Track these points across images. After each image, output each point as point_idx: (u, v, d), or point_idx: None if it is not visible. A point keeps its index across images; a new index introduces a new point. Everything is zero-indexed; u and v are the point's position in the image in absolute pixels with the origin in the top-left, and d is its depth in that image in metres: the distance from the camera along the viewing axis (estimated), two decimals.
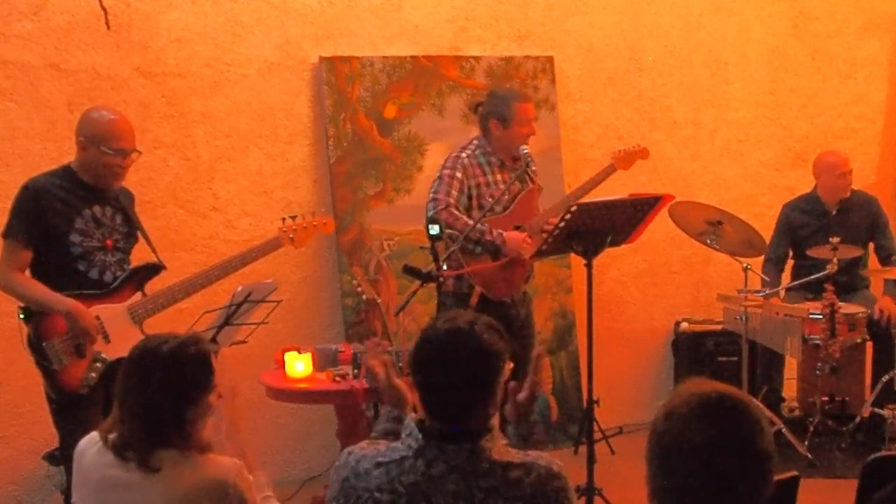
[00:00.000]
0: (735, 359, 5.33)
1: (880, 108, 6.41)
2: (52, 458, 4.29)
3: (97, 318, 3.57)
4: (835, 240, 4.97)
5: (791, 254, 5.61)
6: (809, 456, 4.87)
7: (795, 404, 5.56)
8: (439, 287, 3.83)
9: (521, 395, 2.45)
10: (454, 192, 4.29)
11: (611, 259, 5.64)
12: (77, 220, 3.60)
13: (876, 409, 5.09)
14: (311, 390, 4.20)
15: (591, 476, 4.08)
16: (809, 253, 5.24)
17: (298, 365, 4.21)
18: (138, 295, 3.73)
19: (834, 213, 5.48)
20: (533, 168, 4.42)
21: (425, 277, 3.80)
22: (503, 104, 4.39)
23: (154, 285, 3.79)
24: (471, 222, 4.20)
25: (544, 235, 4.19)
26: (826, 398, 5.10)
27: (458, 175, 4.31)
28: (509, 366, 2.21)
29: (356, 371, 4.07)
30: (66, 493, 3.32)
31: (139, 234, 3.83)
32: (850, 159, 5.56)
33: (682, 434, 1.70)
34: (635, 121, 5.83)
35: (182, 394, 2.38)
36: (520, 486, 2.08)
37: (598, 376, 4.28)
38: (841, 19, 6.28)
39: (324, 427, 4.83)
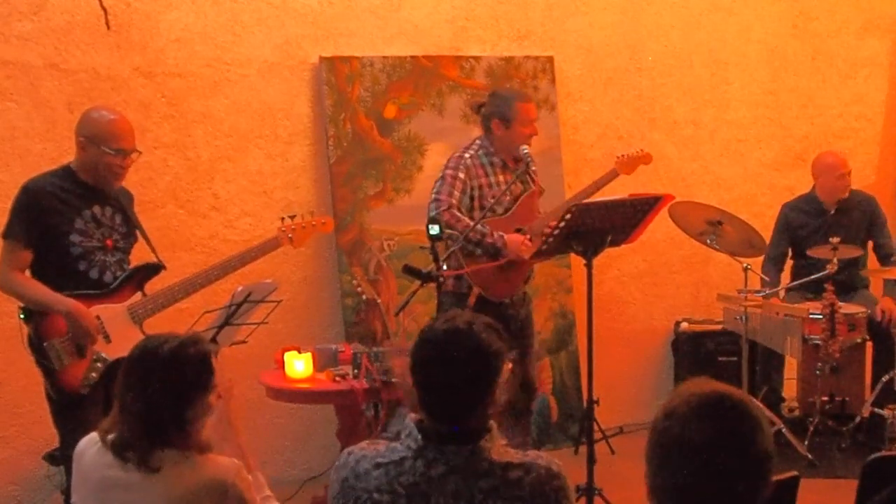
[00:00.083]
0: (735, 359, 5.33)
1: (880, 108, 6.41)
2: (52, 458, 4.29)
3: (97, 318, 3.57)
4: (835, 240, 4.97)
5: (790, 254, 5.61)
6: (809, 456, 4.88)
7: (795, 404, 5.56)
8: (439, 287, 3.83)
9: (500, 399, 2.43)
10: (456, 193, 4.28)
11: (611, 259, 5.64)
12: (77, 221, 3.60)
13: (876, 409, 5.10)
14: (311, 390, 4.20)
15: (591, 476, 4.08)
16: (809, 253, 5.24)
17: (298, 365, 4.21)
18: (138, 295, 3.73)
19: (832, 212, 5.48)
20: (533, 168, 4.42)
21: (425, 277, 3.80)
22: (505, 104, 4.39)
23: (154, 285, 3.79)
24: (472, 224, 4.20)
25: (544, 237, 4.19)
26: (826, 398, 5.10)
27: (461, 175, 4.31)
28: (508, 366, 2.21)
29: (356, 371, 4.07)
30: (66, 493, 3.32)
31: (139, 233, 3.83)
32: (849, 160, 5.56)
33: (681, 433, 1.70)
34: (635, 121, 5.83)
35: (182, 394, 2.38)
36: (519, 486, 2.08)
37: (598, 376, 4.28)
38: (841, 19, 6.28)
39: (324, 427, 4.84)
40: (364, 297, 4.86)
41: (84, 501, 2.45)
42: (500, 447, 2.14)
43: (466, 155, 4.38)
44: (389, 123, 5.20)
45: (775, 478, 1.75)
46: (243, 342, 3.89)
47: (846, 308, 5.10)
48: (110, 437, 2.39)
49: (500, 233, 4.28)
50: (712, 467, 1.68)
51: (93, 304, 3.57)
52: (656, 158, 5.64)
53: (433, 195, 4.33)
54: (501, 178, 4.39)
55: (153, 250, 3.81)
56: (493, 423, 2.15)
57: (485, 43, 5.47)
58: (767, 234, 5.43)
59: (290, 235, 4.04)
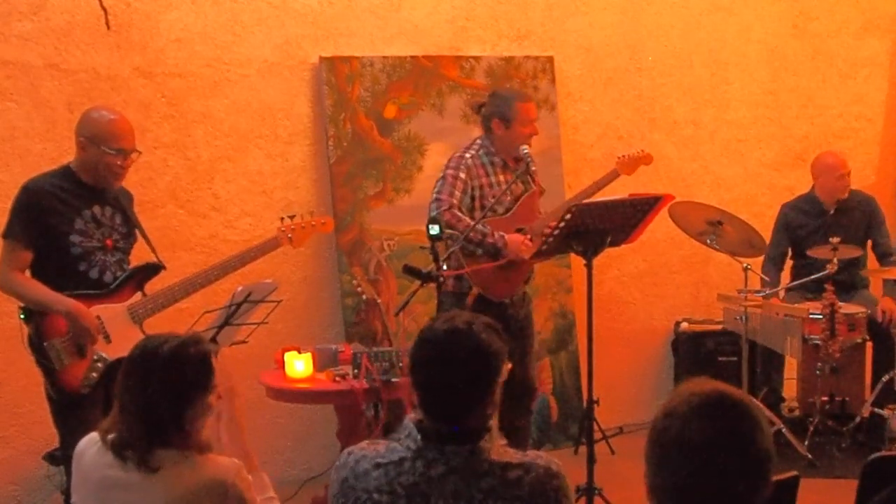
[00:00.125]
0: (735, 359, 5.33)
1: (880, 108, 6.42)
2: (52, 458, 4.30)
3: (98, 317, 3.57)
4: (835, 240, 4.98)
5: (790, 254, 5.61)
6: (809, 456, 4.88)
7: (795, 404, 5.57)
8: (439, 287, 3.83)
9: None
10: (457, 193, 4.28)
11: (611, 259, 5.64)
12: (77, 221, 3.60)
13: (876, 409, 5.10)
14: (311, 390, 4.20)
15: (591, 476, 4.08)
16: (810, 253, 5.24)
17: (298, 365, 4.21)
18: (138, 295, 3.73)
19: (832, 212, 5.49)
20: (533, 168, 4.42)
21: (425, 277, 3.80)
22: (505, 104, 4.39)
23: (153, 285, 3.79)
24: (473, 224, 4.20)
25: (544, 237, 4.19)
26: (826, 398, 5.10)
27: (462, 175, 4.31)
28: (507, 366, 2.21)
29: (356, 371, 4.07)
30: (67, 493, 3.32)
31: (138, 233, 3.83)
32: (849, 160, 5.57)
33: (681, 432, 1.70)
34: (635, 121, 5.83)
35: (182, 394, 2.38)
36: (519, 486, 2.08)
37: (598, 376, 4.28)
38: (841, 19, 6.28)
39: (324, 427, 4.84)
40: (364, 297, 4.85)
41: (84, 501, 2.45)
42: (499, 447, 2.14)
43: (467, 155, 4.38)
44: (389, 123, 5.20)
45: (775, 478, 1.75)
46: (243, 342, 3.89)
47: (846, 308, 5.10)
48: (110, 436, 2.39)
49: (501, 233, 4.28)
50: (712, 467, 1.68)
51: (93, 304, 3.58)
52: (656, 158, 5.64)
53: (434, 195, 4.33)
54: (502, 177, 4.39)
55: (153, 250, 3.81)
56: (492, 423, 2.15)
57: (485, 43, 5.47)
58: (767, 234, 5.43)
59: (289, 235, 4.04)
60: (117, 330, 3.60)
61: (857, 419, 5.13)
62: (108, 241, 3.68)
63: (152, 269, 3.79)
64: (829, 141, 6.10)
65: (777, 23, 6.16)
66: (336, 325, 5.10)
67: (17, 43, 4.53)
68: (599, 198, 4.29)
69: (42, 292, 3.53)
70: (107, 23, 4.63)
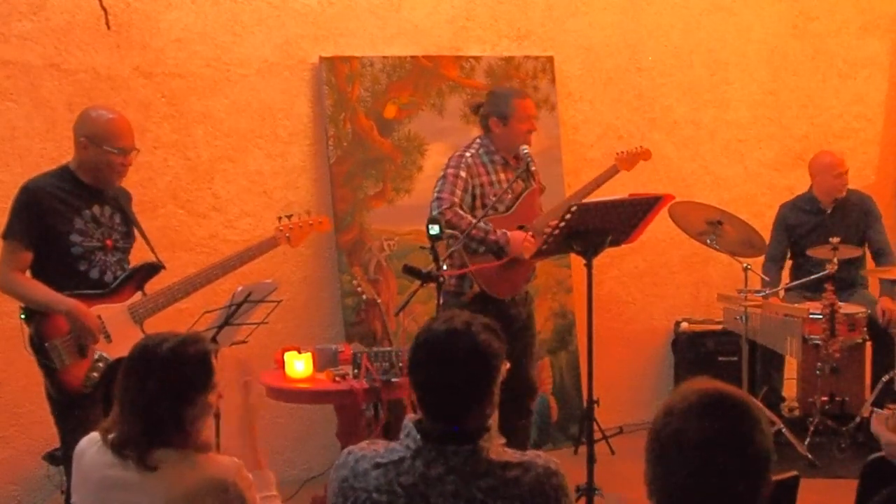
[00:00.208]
0: (735, 359, 5.33)
1: (880, 108, 6.42)
2: (52, 458, 4.30)
3: (98, 317, 3.57)
4: (835, 240, 4.98)
5: (789, 253, 5.62)
6: (809, 456, 4.88)
7: (795, 404, 5.57)
8: (439, 287, 3.83)
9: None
10: (458, 192, 4.29)
11: (611, 259, 5.64)
12: (77, 221, 3.60)
13: (875, 409, 5.09)
14: (311, 390, 4.20)
15: (591, 476, 4.08)
16: (810, 253, 5.24)
17: (298, 365, 4.21)
18: (138, 294, 3.73)
19: (830, 211, 5.50)
20: (533, 168, 4.42)
21: (425, 277, 3.80)
22: (502, 102, 4.41)
23: (153, 285, 3.79)
24: (474, 222, 4.21)
25: (545, 235, 4.20)
26: (826, 398, 5.10)
27: (462, 174, 4.31)
28: (506, 366, 2.21)
29: (356, 371, 4.07)
30: (67, 493, 3.33)
31: (137, 233, 3.84)
32: (849, 160, 5.57)
33: (681, 431, 1.70)
34: (635, 121, 5.83)
35: (181, 393, 2.38)
36: (518, 486, 2.08)
37: (598, 376, 4.28)
38: (841, 19, 6.28)
39: (324, 427, 4.83)
40: (364, 297, 4.85)
41: (84, 501, 2.45)
42: (498, 447, 2.14)
43: (467, 154, 4.39)
44: (389, 123, 5.20)
45: (775, 478, 1.75)
46: (243, 342, 3.90)
47: (846, 308, 5.10)
48: (110, 436, 2.39)
49: (503, 230, 4.28)
50: (712, 466, 1.68)
51: (93, 304, 3.58)
52: (656, 158, 5.64)
53: (435, 194, 4.33)
54: (503, 176, 4.40)
55: (152, 250, 3.81)
56: (491, 423, 2.16)
57: (485, 43, 5.47)
58: (767, 234, 5.44)
59: (287, 235, 4.05)
60: (118, 329, 3.60)
61: (857, 419, 5.12)
62: (108, 241, 3.68)
63: (152, 269, 3.79)
64: (829, 141, 6.10)
65: (777, 23, 6.16)
66: (336, 325, 5.10)
67: (17, 43, 4.53)
68: (599, 198, 4.29)
69: (43, 292, 3.53)
70: (107, 23, 4.63)
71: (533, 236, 4.31)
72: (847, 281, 5.39)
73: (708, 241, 4.90)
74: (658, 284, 5.97)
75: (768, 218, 5.67)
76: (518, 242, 4.27)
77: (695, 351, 5.70)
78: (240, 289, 3.76)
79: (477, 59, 5.40)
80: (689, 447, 1.69)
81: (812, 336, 5.02)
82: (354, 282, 4.95)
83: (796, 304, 5.17)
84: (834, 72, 6.30)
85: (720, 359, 5.60)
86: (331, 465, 2.26)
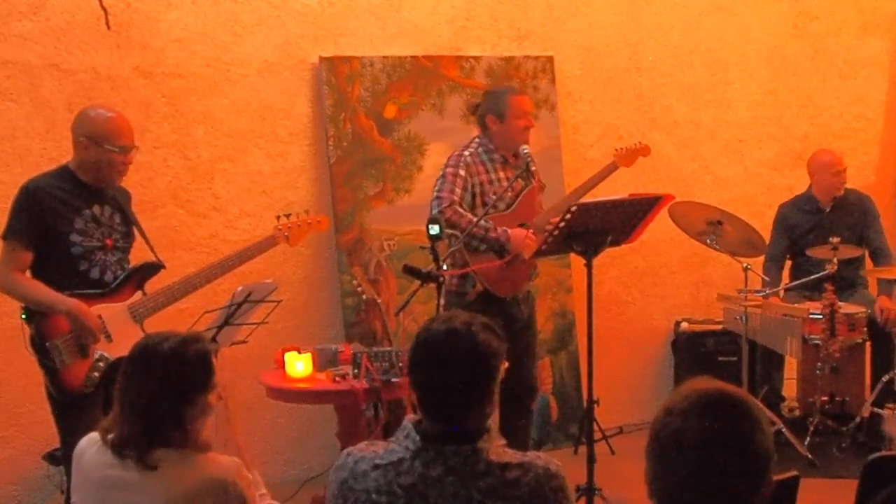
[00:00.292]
0: (735, 359, 5.33)
1: (880, 108, 6.42)
2: (52, 458, 4.30)
3: (99, 317, 3.57)
4: (835, 240, 4.98)
5: (789, 253, 5.62)
6: (809, 456, 4.88)
7: (795, 404, 5.57)
8: (439, 287, 3.83)
9: None
10: (458, 190, 4.29)
11: (611, 259, 5.64)
12: (77, 221, 3.61)
13: (876, 409, 5.10)
14: (311, 390, 4.20)
15: (591, 476, 4.08)
16: (810, 253, 5.25)
17: (298, 365, 4.21)
18: (138, 294, 3.73)
19: (828, 210, 5.50)
20: (533, 168, 4.43)
21: (425, 277, 3.80)
22: (498, 99, 4.43)
23: (153, 285, 3.79)
24: (475, 219, 4.21)
25: (546, 233, 4.20)
26: (826, 398, 5.10)
27: (462, 173, 4.32)
28: (505, 365, 2.21)
29: (356, 371, 4.07)
30: (67, 493, 3.33)
31: (137, 232, 3.84)
32: (849, 160, 5.57)
33: (681, 431, 1.70)
34: (635, 121, 5.83)
35: (181, 393, 2.38)
36: (517, 487, 2.08)
37: (598, 376, 4.28)
38: (841, 19, 6.28)
39: (324, 427, 4.83)
40: (364, 297, 4.85)
41: (84, 501, 2.45)
42: (498, 447, 2.14)
43: (466, 153, 4.40)
44: (389, 123, 5.20)
45: (775, 478, 1.75)
46: (243, 342, 3.90)
47: (846, 308, 5.10)
48: (110, 436, 2.39)
49: (504, 227, 4.29)
50: (712, 466, 1.68)
51: (94, 304, 3.58)
52: (656, 158, 5.65)
53: (434, 193, 4.34)
54: (502, 174, 4.40)
55: (151, 249, 3.82)
56: (490, 424, 2.15)
57: (485, 43, 5.47)
58: (767, 234, 5.44)
59: (286, 234, 4.05)
60: (118, 329, 3.60)
61: (857, 419, 5.12)
62: (108, 241, 3.69)
63: (152, 268, 3.79)
64: (828, 141, 6.10)
65: (777, 23, 6.16)
66: (336, 325, 5.10)
67: (17, 43, 4.53)
68: (600, 198, 4.30)
69: (43, 292, 3.53)
70: (107, 23, 4.62)
71: (534, 233, 4.32)
72: (847, 281, 5.39)
73: (708, 241, 4.90)
74: (658, 284, 5.97)
75: (768, 218, 5.67)
76: (519, 240, 4.27)
77: (695, 351, 5.70)
78: (240, 289, 3.76)
79: (477, 59, 5.40)
80: (689, 447, 1.69)
81: (812, 336, 5.02)
82: (354, 282, 4.95)
83: (796, 304, 5.17)
84: (834, 72, 6.30)
85: (720, 359, 5.60)
86: (331, 465, 2.26)
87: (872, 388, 5.20)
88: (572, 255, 4.73)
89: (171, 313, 3.82)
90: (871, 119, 6.40)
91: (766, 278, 5.30)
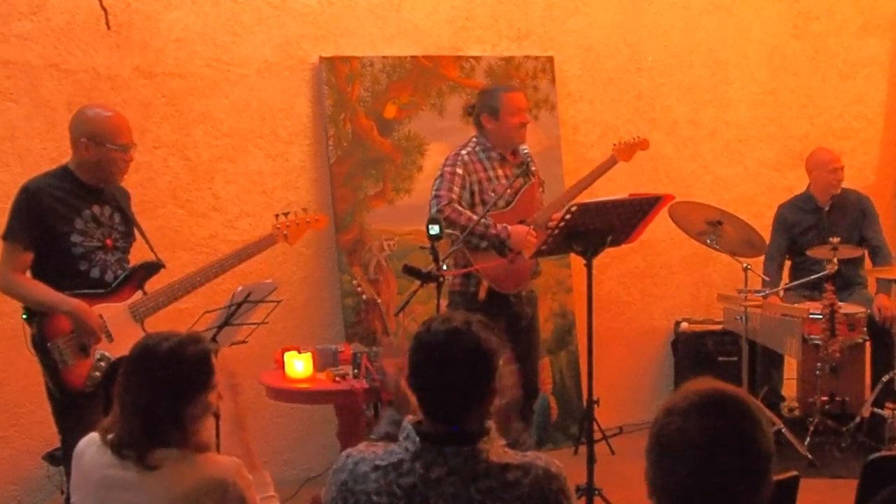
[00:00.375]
0: (735, 359, 5.33)
1: (880, 108, 6.42)
2: (52, 458, 4.30)
3: (100, 316, 3.57)
4: (835, 240, 4.99)
5: (788, 253, 5.63)
6: (809, 456, 4.87)
7: (795, 404, 5.57)
8: (439, 287, 3.83)
9: (498, 402, 2.44)
10: (456, 189, 4.30)
11: (611, 259, 5.64)
12: (77, 221, 3.61)
13: (876, 409, 5.10)
14: (311, 390, 4.20)
15: (591, 476, 4.08)
16: (810, 253, 5.25)
17: (298, 365, 4.21)
18: (139, 293, 3.74)
19: (827, 209, 5.51)
20: (533, 168, 4.44)
21: (425, 277, 3.80)
22: (491, 97, 4.46)
23: (153, 284, 3.80)
24: (474, 217, 4.22)
25: (548, 231, 4.20)
26: (826, 398, 5.10)
27: (459, 171, 4.33)
28: (513, 367, 2.21)
29: (356, 371, 4.07)
30: (67, 493, 3.33)
31: (137, 232, 3.84)
32: (849, 160, 5.58)
33: (681, 430, 1.70)
34: (635, 121, 5.82)
35: (181, 392, 2.38)
36: (518, 488, 2.08)
37: (598, 376, 4.28)
38: (841, 19, 6.28)
39: (324, 427, 4.83)
40: (364, 297, 4.85)
41: (84, 501, 2.45)
42: (498, 448, 2.14)
43: (463, 152, 4.41)
44: (389, 123, 5.20)
45: (775, 478, 1.75)
46: (243, 342, 3.90)
47: (846, 308, 5.10)
48: (110, 436, 2.39)
49: (504, 224, 4.29)
50: (712, 465, 1.68)
51: (95, 304, 3.58)
52: (656, 158, 5.66)
53: (433, 192, 4.35)
54: (500, 172, 4.41)
55: (151, 248, 3.82)
56: (490, 424, 2.15)
57: (485, 43, 5.47)
58: (767, 234, 5.44)
59: (284, 233, 4.05)
60: (119, 328, 3.61)
61: (857, 419, 5.13)
62: (109, 241, 3.69)
63: (152, 268, 3.79)
64: (828, 141, 6.10)
65: (777, 23, 6.16)
66: (336, 325, 5.10)
67: (17, 43, 4.53)
68: (599, 198, 4.30)
69: (44, 293, 3.53)
70: (107, 23, 4.63)
71: (534, 230, 4.32)
72: (846, 281, 5.40)
73: (708, 241, 4.90)
74: (658, 284, 5.97)
75: (768, 218, 5.68)
76: (520, 236, 4.27)
77: (695, 351, 5.70)
78: (240, 289, 3.76)
79: (477, 59, 5.40)
80: (689, 446, 1.69)
81: (812, 336, 5.03)
82: (354, 282, 4.95)
83: (796, 304, 5.17)
84: (834, 72, 6.30)
85: (720, 359, 5.60)
86: (331, 466, 2.26)
87: (872, 388, 5.20)
88: (572, 255, 4.73)
89: (171, 313, 3.82)
90: (871, 119, 6.40)
91: (766, 278, 5.30)
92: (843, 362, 5.10)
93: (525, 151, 4.34)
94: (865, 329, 5.17)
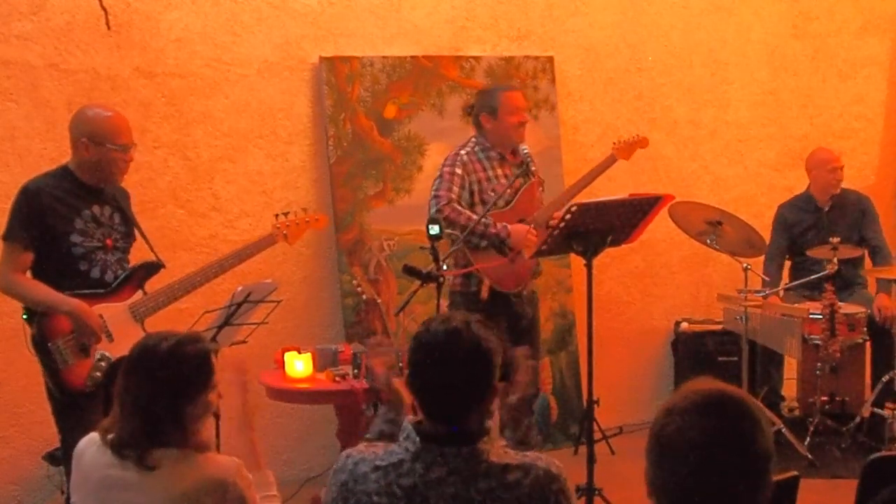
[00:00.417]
0: (735, 359, 5.33)
1: (880, 108, 6.42)
2: (52, 458, 4.30)
3: (100, 316, 3.58)
4: (835, 240, 4.99)
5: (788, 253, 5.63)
6: (809, 456, 4.87)
7: (795, 404, 5.57)
8: (439, 287, 3.83)
9: (512, 398, 2.44)
10: (455, 189, 4.31)
11: (611, 259, 5.64)
12: (77, 221, 3.61)
13: (876, 409, 5.10)
14: (311, 390, 4.20)
15: (591, 476, 4.08)
16: (811, 254, 5.25)
17: (298, 365, 4.21)
18: (139, 293, 3.74)
19: (826, 209, 5.51)
20: (533, 168, 4.44)
21: (425, 277, 3.80)
22: (490, 97, 4.47)
23: (153, 284, 3.80)
24: (474, 216, 4.22)
25: (549, 229, 4.20)
26: (826, 398, 5.10)
27: (458, 171, 4.34)
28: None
29: (356, 371, 4.07)
30: (67, 493, 3.33)
31: (137, 232, 3.84)
32: (849, 160, 5.58)
33: (681, 430, 1.70)
34: (635, 121, 5.82)
35: (181, 392, 2.38)
36: (518, 488, 2.07)
37: (598, 376, 4.28)
38: (841, 19, 6.28)
39: (324, 427, 4.83)
40: (364, 297, 4.86)
41: (84, 501, 2.45)
42: (499, 448, 2.13)
43: (462, 152, 4.42)
44: (389, 123, 5.20)
45: (775, 478, 1.75)
46: (243, 342, 3.90)
47: (846, 308, 5.10)
48: (110, 436, 2.39)
49: (504, 223, 4.29)
50: (712, 465, 1.68)
51: (95, 304, 3.58)
52: (656, 158, 5.66)
53: (432, 193, 4.35)
54: (499, 171, 4.41)
55: (151, 248, 3.82)
56: (490, 424, 2.15)
57: (485, 43, 5.47)
58: (767, 234, 5.44)
59: (284, 232, 4.05)
60: (119, 328, 3.61)
61: (857, 419, 5.13)
62: (109, 241, 3.69)
63: (152, 268, 3.80)
64: (828, 141, 6.10)
65: (777, 23, 6.16)
66: (336, 325, 5.10)
67: (17, 43, 4.53)
68: (600, 198, 4.30)
69: (45, 293, 3.53)
70: (107, 23, 4.63)
71: (534, 229, 4.33)
72: (846, 281, 5.40)
73: (708, 241, 4.90)
74: (658, 284, 5.97)
75: (768, 218, 5.68)
76: (520, 235, 4.27)
77: (695, 351, 5.70)
78: (240, 289, 3.76)
79: (477, 59, 5.40)
80: (689, 446, 1.69)
81: (812, 336, 5.03)
82: (354, 282, 4.95)
83: (796, 304, 5.17)
84: (834, 72, 6.30)
85: (720, 359, 5.60)
86: (331, 466, 2.26)
87: (872, 388, 5.20)
88: (572, 255, 4.73)
89: (171, 313, 3.82)
90: (871, 119, 6.40)
91: (766, 278, 5.30)
92: (843, 362, 5.10)
93: (525, 151, 4.34)
94: (865, 329, 5.17)
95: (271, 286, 3.92)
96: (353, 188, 5.11)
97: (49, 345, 3.50)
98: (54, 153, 4.41)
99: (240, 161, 4.98)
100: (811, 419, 5.05)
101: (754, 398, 1.87)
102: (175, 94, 4.84)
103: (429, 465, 2.09)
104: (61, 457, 3.79)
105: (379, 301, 4.92)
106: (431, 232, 3.76)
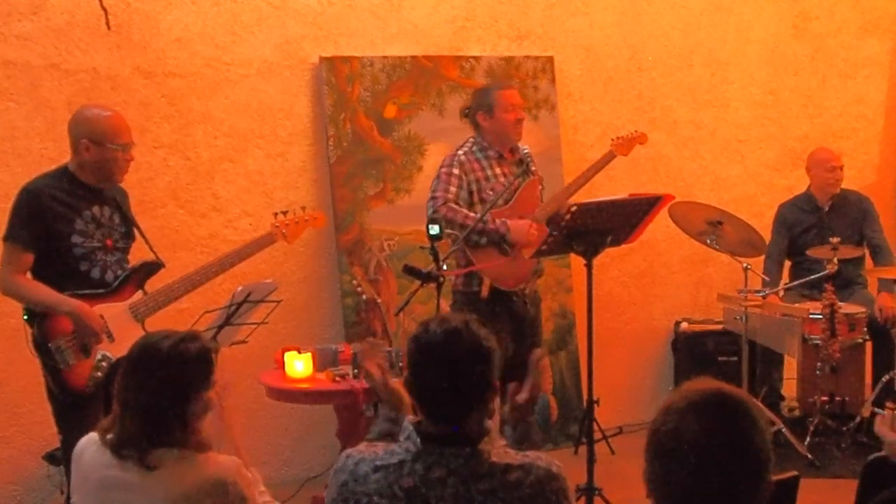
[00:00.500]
0: (735, 359, 5.33)
1: (880, 108, 6.42)
2: (52, 458, 4.30)
3: (101, 317, 3.58)
4: (835, 240, 4.99)
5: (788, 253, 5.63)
6: (809, 456, 4.87)
7: (795, 404, 5.56)
8: (439, 287, 3.83)
9: (521, 397, 2.45)
10: (453, 189, 4.30)
11: (611, 259, 5.64)
12: (77, 221, 3.61)
13: (876, 409, 5.09)
14: (311, 390, 4.20)
15: (591, 476, 4.08)
16: (811, 254, 5.25)
17: (298, 365, 4.21)
18: (139, 293, 3.74)
19: (827, 209, 5.52)
20: (533, 168, 4.44)
21: (425, 277, 3.80)
22: (486, 95, 4.47)
23: (153, 284, 3.80)
24: (471, 215, 4.22)
25: (550, 228, 4.20)
26: (826, 398, 5.10)
27: (456, 171, 4.33)
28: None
29: (356, 371, 4.07)
30: (67, 493, 3.33)
31: (136, 232, 3.84)
32: (849, 160, 5.58)
33: (680, 430, 1.70)
34: (635, 121, 5.80)
35: (181, 391, 2.38)
36: (518, 488, 2.07)
37: (598, 376, 4.28)
38: (841, 19, 6.28)
39: (324, 427, 4.83)
40: (364, 297, 4.85)
41: (84, 501, 2.45)
42: (499, 449, 2.13)
43: (460, 152, 4.42)
44: (389, 123, 5.20)
45: (775, 478, 1.75)
46: (243, 342, 3.90)
47: (846, 308, 5.10)
48: (109, 436, 2.39)
49: (503, 219, 4.28)
50: (711, 465, 1.68)
51: (95, 304, 3.58)
52: (656, 158, 5.66)
53: (430, 193, 4.35)
54: (498, 170, 4.41)
55: (151, 248, 3.82)
56: (490, 424, 2.15)
57: (485, 43, 5.47)
58: (767, 234, 5.44)
59: (283, 231, 4.05)
60: (120, 328, 3.61)
61: (857, 419, 5.12)
62: (109, 241, 3.69)
63: (152, 268, 3.80)
64: (828, 141, 6.10)
65: (777, 23, 6.16)
66: (336, 325, 5.10)
67: (17, 43, 4.53)
68: (600, 198, 4.30)
69: (45, 294, 3.53)
70: (107, 23, 4.63)
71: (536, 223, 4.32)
72: (846, 280, 5.40)
73: (708, 241, 4.90)
74: (658, 284, 5.97)
75: (768, 218, 5.68)
76: (522, 230, 4.26)
77: (695, 351, 5.70)
78: (240, 289, 3.76)
79: (477, 59, 5.40)
80: (688, 446, 1.69)
81: (812, 336, 5.03)
82: (354, 282, 4.95)
83: (796, 304, 5.17)
84: (834, 72, 6.30)
85: (720, 359, 5.60)
86: (331, 466, 2.26)
87: (872, 388, 5.20)
88: (572, 255, 4.73)
89: (171, 314, 3.82)
90: (871, 119, 6.40)
91: (766, 278, 5.31)
92: (843, 362, 5.09)
93: (525, 151, 4.34)
94: (865, 329, 5.17)
95: (271, 286, 3.92)
96: (353, 188, 5.11)
97: (50, 345, 3.50)
98: (54, 153, 4.41)
99: (240, 161, 4.98)
100: (811, 419, 5.05)
101: (754, 398, 1.87)
102: (175, 94, 4.84)
103: (429, 465, 2.09)
104: (61, 457, 3.79)
105: (379, 301, 4.92)
106: (431, 232, 3.76)
